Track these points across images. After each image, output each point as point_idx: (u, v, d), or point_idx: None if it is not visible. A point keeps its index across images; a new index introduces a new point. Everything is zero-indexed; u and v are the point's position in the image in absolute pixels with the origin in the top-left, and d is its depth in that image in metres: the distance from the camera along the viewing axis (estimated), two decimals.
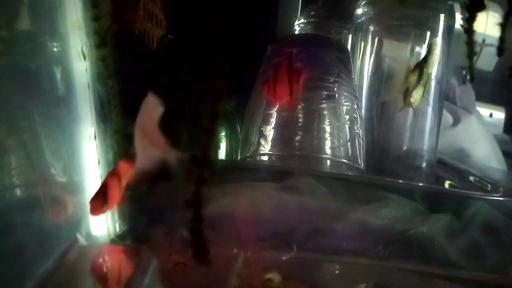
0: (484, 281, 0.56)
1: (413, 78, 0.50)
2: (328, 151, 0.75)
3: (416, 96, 0.47)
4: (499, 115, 1.63)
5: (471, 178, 0.93)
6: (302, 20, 1.16)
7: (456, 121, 1.23)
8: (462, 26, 0.32)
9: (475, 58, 0.37)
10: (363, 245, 0.53)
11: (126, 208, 0.48)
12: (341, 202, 0.65)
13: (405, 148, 0.93)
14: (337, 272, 0.50)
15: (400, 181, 0.78)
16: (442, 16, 0.85)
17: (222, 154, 0.84)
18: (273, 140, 0.78)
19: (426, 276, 0.52)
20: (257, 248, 0.49)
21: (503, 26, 0.32)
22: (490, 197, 0.71)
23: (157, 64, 0.77)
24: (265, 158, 0.77)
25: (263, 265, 0.45)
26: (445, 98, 1.29)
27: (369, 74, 0.93)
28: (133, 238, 0.49)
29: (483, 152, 1.21)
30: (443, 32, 0.88)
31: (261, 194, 0.58)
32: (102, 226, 0.47)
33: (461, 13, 0.35)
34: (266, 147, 0.77)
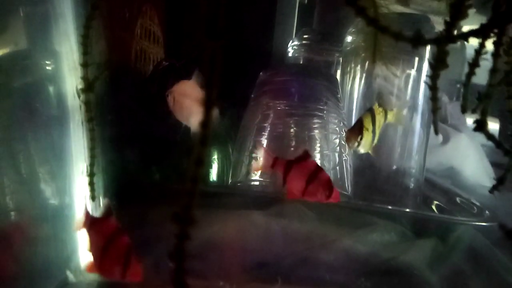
0: None
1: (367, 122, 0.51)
2: None
3: (366, 142, 0.48)
4: (494, 126, 1.66)
5: (458, 200, 0.95)
6: (295, 42, 1.19)
7: (446, 140, 1.25)
8: (426, 82, 0.35)
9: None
10: (346, 277, 0.55)
11: None
12: (329, 228, 0.67)
13: (394, 167, 0.96)
14: None
15: (388, 206, 0.80)
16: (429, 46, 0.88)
17: (213, 176, 0.86)
18: None
19: None
20: (243, 281, 0.51)
21: (466, 86, 0.34)
22: (474, 223, 0.73)
23: (151, 92, 0.79)
24: (256, 183, 0.79)
25: None
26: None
27: (360, 96, 0.96)
28: None
29: (473, 171, 1.24)
30: (429, 57, 0.91)
31: (248, 224, 0.60)
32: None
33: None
34: (257, 172, 0.79)
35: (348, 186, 0.80)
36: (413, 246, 0.66)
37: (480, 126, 0.34)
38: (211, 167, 0.86)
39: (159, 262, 0.52)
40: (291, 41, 1.21)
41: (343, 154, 0.80)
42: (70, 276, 0.47)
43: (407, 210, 0.81)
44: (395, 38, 0.34)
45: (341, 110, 0.83)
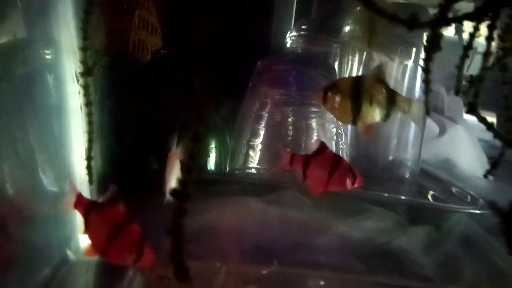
0: None
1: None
2: None
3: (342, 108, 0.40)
4: (491, 120, 1.67)
5: (454, 189, 0.96)
6: (293, 33, 1.19)
7: (442, 132, 1.26)
8: (420, 66, 0.35)
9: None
10: (341, 260, 0.56)
11: None
12: (325, 215, 0.68)
13: (391, 157, 0.97)
14: (314, 286, 0.53)
15: (385, 194, 0.81)
16: (425, 34, 0.88)
17: (211, 165, 0.87)
18: (261, 153, 0.81)
19: None
20: (239, 262, 0.52)
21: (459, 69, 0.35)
22: (467, 210, 0.74)
23: (149, 80, 0.80)
24: (254, 171, 0.79)
25: (244, 279, 0.48)
26: (433, 107, 1.32)
27: None
28: None
29: (468, 162, 1.25)
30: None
31: (245, 209, 0.61)
32: None
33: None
34: (254, 160, 0.80)
35: None
36: (407, 232, 0.67)
37: (472, 108, 0.35)
38: (209, 155, 0.87)
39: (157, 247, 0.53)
40: (289, 32, 1.21)
41: (340, 142, 0.80)
42: (70, 254, 0.48)
43: (403, 197, 0.82)
44: (390, 20, 0.34)
45: None
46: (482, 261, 0.64)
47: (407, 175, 0.93)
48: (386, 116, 0.44)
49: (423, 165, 1.05)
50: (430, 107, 1.04)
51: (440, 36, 0.34)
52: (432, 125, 1.23)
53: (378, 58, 0.99)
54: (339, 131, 0.81)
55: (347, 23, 0.95)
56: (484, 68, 0.36)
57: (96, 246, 0.40)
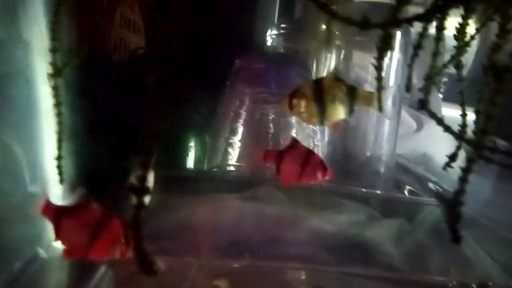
0: (427, 282, 0.61)
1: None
2: None
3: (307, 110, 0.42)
4: (472, 116, 1.70)
5: (430, 184, 0.99)
6: (274, 31, 1.21)
7: (419, 127, 1.28)
8: (372, 64, 0.37)
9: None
10: (310, 252, 0.58)
11: None
12: (300, 209, 0.70)
13: (367, 153, 0.99)
14: (286, 278, 0.54)
15: (359, 188, 0.84)
16: (399, 33, 0.91)
17: (190, 163, 0.88)
18: (240, 151, 0.82)
19: (369, 279, 0.57)
20: (212, 257, 0.53)
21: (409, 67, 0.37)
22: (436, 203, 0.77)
23: (127, 79, 0.80)
24: (232, 168, 0.81)
25: (216, 273, 0.49)
26: (410, 103, 1.35)
27: None
28: None
29: (445, 156, 1.28)
30: (400, 46, 0.94)
31: (220, 205, 0.62)
32: None
33: None
34: (233, 157, 0.82)
35: None
36: (379, 224, 0.69)
37: (422, 104, 0.37)
38: (187, 154, 0.88)
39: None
40: (269, 30, 1.23)
41: (315, 139, 0.82)
42: (41, 251, 0.48)
43: (376, 191, 0.84)
44: (345, 23, 0.36)
45: None
46: (450, 251, 0.67)
47: (382, 170, 0.96)
48: (350, 112, 0.46)
49: (401, 159, 1.08)
50: (406, 103, 1.07)
51: (391, 36, 0.36)
52: (409, 121, 1.26)
53: (356, 55, 1.01)
54: (314, 128, 0.83)
55: (323, 20, 0.96)
56: (433, 67, 0.38)
57: (76, 248, 0.40)
